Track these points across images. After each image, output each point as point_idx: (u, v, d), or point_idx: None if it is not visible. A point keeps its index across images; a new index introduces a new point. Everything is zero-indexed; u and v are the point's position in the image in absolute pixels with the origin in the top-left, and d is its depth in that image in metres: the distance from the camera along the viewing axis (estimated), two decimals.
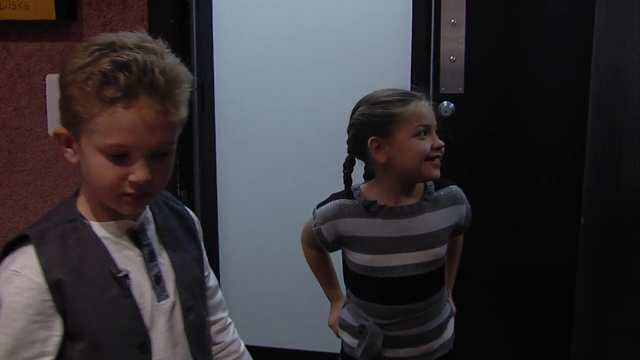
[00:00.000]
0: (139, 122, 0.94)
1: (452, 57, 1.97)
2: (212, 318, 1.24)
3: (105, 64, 0.94)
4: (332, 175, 2.23)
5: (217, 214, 2.33)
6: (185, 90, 1.01)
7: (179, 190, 2.04)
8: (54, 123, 2.06)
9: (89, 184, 1.05)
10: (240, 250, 2.35)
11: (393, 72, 2.13)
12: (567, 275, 1.96)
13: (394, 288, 1.47)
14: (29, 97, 2.07)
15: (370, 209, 1.46)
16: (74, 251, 1.01)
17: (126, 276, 1.03)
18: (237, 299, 2.38)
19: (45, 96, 2.05)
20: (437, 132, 1.45)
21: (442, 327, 1.53)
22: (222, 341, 1.25)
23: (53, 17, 1.95)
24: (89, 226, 1.04)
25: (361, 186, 1.51)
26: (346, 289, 1.59)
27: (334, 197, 1.53)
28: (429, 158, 1.42)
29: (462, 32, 1.95)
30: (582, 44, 1.88)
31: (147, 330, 1.03)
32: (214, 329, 1.24)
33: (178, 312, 1.09)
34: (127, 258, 1.04)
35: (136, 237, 1.06)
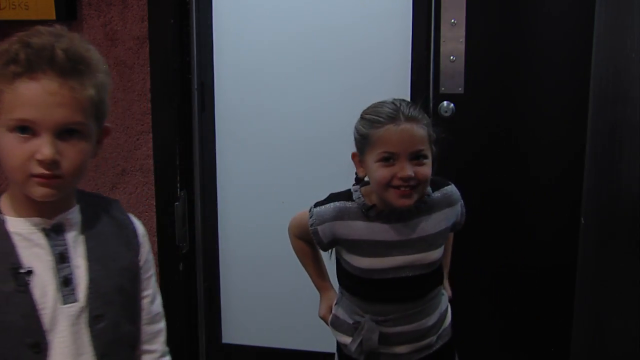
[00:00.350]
0: (41, 95, 0.96)
1: (452, 57, 1.97)
2: (146, 347, 1.21)
3: (12, 45, 0.98)
4: (332, 175, 2.23)
5: (217, 214, 2.33)
6: (94, 73, 1.02)
7: (179, 190, 2.04)
8: None
9: (4, 171, 1.03)
10: (240, 250, 2.35)
11: (393, 72, 2.13)
12: (567, 275, 1.96)
13: (390, 288, 1.46)
14: None
15: (368, 214, 1.44)
16: None
17: (29, 273, 1.01)
18: (237, 299, 2.38)
19: None
20: (417, 156, 1.36)
21: (440, 322, 1.53)
22: None
23: (53, 17, 1.95)
24: (3, 221, 1.03)
25: (361, 188, 1.49)
26: (339, 287, 1.58)
27: (333, 197, 1.52)
28: (393, 186, 1.36)
29: (462, 32, 1.95)
30: (582, 44, 1.88)
31: (45, 331, 1.01)
32: (145, 358, 1.21)
33: (84, 319, 1.05)
34: (35, 256, 1.02)
35: (50, 235, 1.05)
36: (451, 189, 1.51)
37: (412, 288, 1.47)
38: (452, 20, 1.96)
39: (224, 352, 2.37)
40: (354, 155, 1.46)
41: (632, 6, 1.55)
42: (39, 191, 0.99)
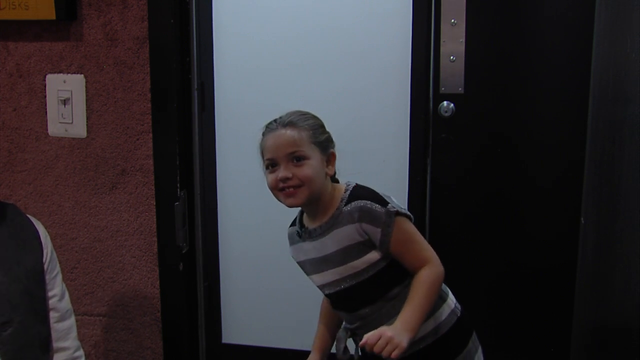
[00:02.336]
0: None
1: (452, 57, 1.97)
2: (59, 344, 1.19)
3: None
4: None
5: (217, 214, 2.33)
6: None
7: (179, 190, 2.04)
8: (54, 123, 2.06)
9: None
10: (240, 250, 2.35)
11: (393, 72, 2.13)
12: (567, 275, 1.96)
13: (340, 300, 1.53)
14: (29, 97, 2.07)
15: (299, 234, 1.55)
16: None
17: None
18: (237, 298, 2.38)
19: (45, 96, 2.05)
20: (294, 158, 1.44)
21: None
22: None
23: (53, 17, 1.96)
24: None
25: (302, 211, 1.58)
26: None
27: (290, 224, 1.63)
28: (280, 189, 1.46)
29: (462, 32, 1.95)
30: (582, 44, 1.88)
31: None
32: (57, 357, 1.19)
33: None
34: None
35: None
36: (357, 205, 1.44)
37: (357, 297, 1.49)
38: (452, 20, 1.96)
39: (224, 352, 2.37)
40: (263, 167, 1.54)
41: (632, 6, 1.55)
42: None
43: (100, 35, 1.99)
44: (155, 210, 2.05)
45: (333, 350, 1.63)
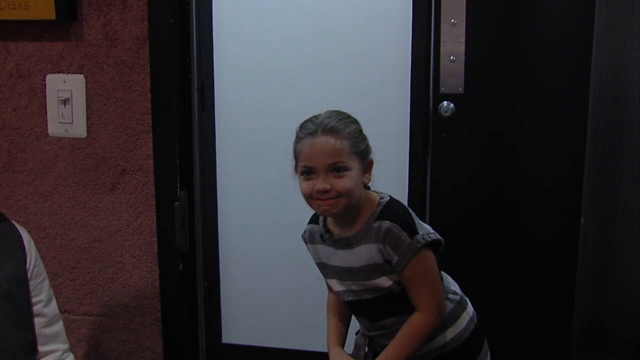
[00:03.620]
0: None
1: (452, 57, 1.97)
2: (47, 348, 1.19)
3: None
4: None
5: (217, 214, 2.33)
6: None
7: (179, 190, 2.04)
8: (54, 123, 2.06)
9: None
10: (240, 250, 2.35)
11: (393, 72, 2.13)
12: (567, 275, 1.96)
13: (360, 309, 1.50)
14: (29, 97, 2.07)
15: (323, 238, 1.50)
16: None
17: None
18: (237, 299, 2.38)
19: (45, 96, 2.05)
20: (335, 169, 1.37)
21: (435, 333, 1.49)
22: None
23: (53, 17, 1.95)
24: None
25: None
26: None
27: (309, 220, 1.58)
28: (314, 198, 1.40)
29: (462, 32, 1.95)
30: (582, 44, 1.88)
31: None
32: (48, 359, 1.19)
33: None
34: None
35: None
36: (385, 226, 1.39)
37: (381, 308, 1.47)
38: (452, 20, 1.96)
39: (224, 352, 2.37)
40: (294, 168, 1.48)
41: (632, 6, 1.55)
42: None
43: (100, 35, 1.99)
44: (155, 210, 2.05)
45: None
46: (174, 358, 2.13)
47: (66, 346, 1.26)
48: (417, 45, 2.03)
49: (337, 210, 1.40)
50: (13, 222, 1.17)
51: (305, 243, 1.59)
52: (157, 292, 2.10)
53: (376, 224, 1.40)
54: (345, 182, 1.38)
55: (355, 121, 1.47)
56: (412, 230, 1.39)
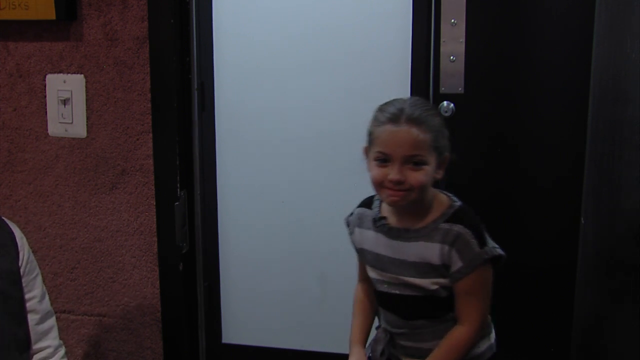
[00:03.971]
0: None
1: (452, 57, 1.97)
2: (40, 345, 1.20)
3: None
4: (332, 175, 2.23)
5: (217, 214, 2.33)
6: None
7: (179, 190, 2.04)
8: (54, 123, 2.06)
9: None
10: (240, 250, 2.35)
11: (393, 72, 2.12)
12: (567, 275, 1.96)
13: (397, 304, 1.45)
14: (29, 97, 2.07)
15: (376, 224, 1.44)
16: None
17: None
18: (237, 299, 2.37)
19: (45, 96, 2.05)
20: (412, 161, 1.32)
21: None
22: None
23: (53, 17, 1.95)
24: None
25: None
26: None
27: (360, 204, 1.52)
28: (384, 186, 1.35)
29: (462, 32, 1.95)
30: (582, 44, 1.88)
31: None
32: (37, 356, 1.19)
33: None
34: None
35: None
36: (458, 230, 1.36)
37: (417, 307, 1.43)
38: (452, 20, 1.96)
39: (224, 352, 2.37)
40: (365, 149, 1.42)
41: (632, 6, 1.55)
42: None
43: (100, 35, 1.99)
44: (155, 210, 2.05)
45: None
46: (174, 358, 2.13)
47: (58, 342, 1.26)
48: (417, 45, 2.03)
49: (405, 203, 1.35)
50: (4, 218, 1.17)
51: (348, 227, 1.53)
52: (157, 292, 2.10)
53: (445, 225, 1.37)
54: (421, 176, 1.33)
55: (439, 114, 1.40)
56: (483, 241, 1.37)
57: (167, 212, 2.04)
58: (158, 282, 2.09)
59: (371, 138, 1.38)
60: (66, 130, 2.06)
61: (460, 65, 1.97)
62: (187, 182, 2.11)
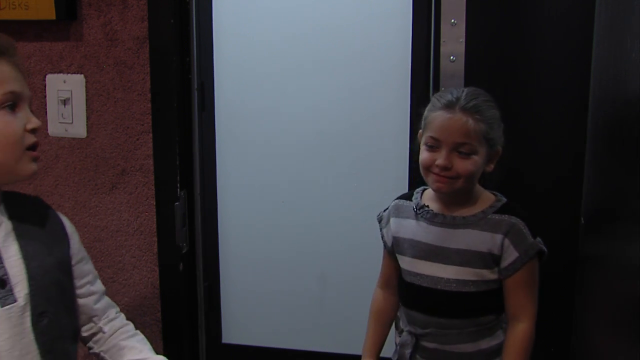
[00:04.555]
0: (14, 71, 1.05)
1: (452, 57, 1.97)
2: (106, 316, 1.25)
3: None
4: (332, 175, 2.24)
5: (217, 214, 2.33)
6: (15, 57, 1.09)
7: (179, 190, 2.04)
8: (54, 123, 2.06)
9: None
10: (240, 250, 2.35)
11: (393, 72, 2.13)
12: (567, 275, 1.96)
13: (427, 298, 1.43)
14: None
15: (418, 212, 1.44)
16: None
17: None
18: (237, 299, 2.38)
19: (45, 96, 2.05)
20: (462, 149, 1.34)
21: (488, 353, 1.45)
22: (114, 325, 1.26)
23: (53, 17, 1.95)
24: None
25: (426, 189, 1.49)
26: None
27: (397, 198, 1.53)
28: (431, 171, 1.36)
29: (462, 32, 1.95)
30: (582, 44, 1.88)
31: None
32: (104, 322, 1.25)
33: (28, 318, 1.02)
34: None
35: None
36: (511, 220, 1.39)
37: (451, 304, 1.41)
38: (452, 20, 1.96)
39: (224, 352, 2.37)
40: (419, 134, 1.42)
41: (632, 6, 1.55)
42: (33, 165, 1.03)
43: (100, 35, 1.99)
44: (155, 210, 2.05)
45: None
46: (174, 358, 2.13)
47: (117, 308, 1.32)
48: (417, 45, 2.03)
49: (451, 191, 1.36)
50: (55, 210, 1.20)
51: (380, 222, 1.53)
52: (157, 292, 2.10)
53: (496, 216, 1.38)
54: (469, 165, 1.35)
55: (495, 106, 1.42)
56: (534, 233, 1.39)
57: (167, 212, 2.04)
58: (158, 282, 2.09)
59: (425, 122, 1.39)
60: (66, 130, 2.06)
61: (460, 65, 1.97)
62: (187, 182, 2.11)
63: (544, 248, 1.41)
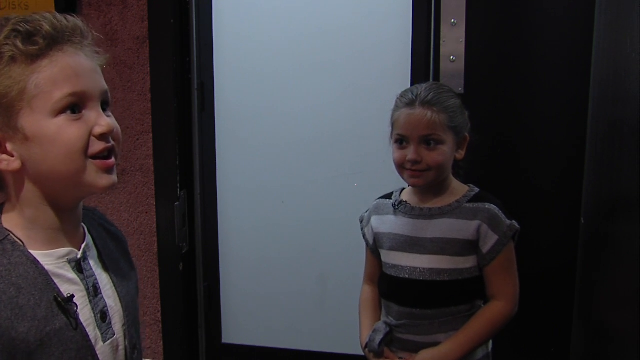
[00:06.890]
0: (79, 64, 0.89)
1: (452, 57, 1.97)
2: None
3: (10, 27, 0.85)
4: (332, 175, 2.24)
5: (217, 214, 2.33)
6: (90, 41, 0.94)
7: (179, 190, 2.04)
8: None
9: (46, 170, 0.85)
10: (240, 250, 2.35)
11: (393, 72, 2.13)
12: (567, 275, 1.96)
13: (403, 289, 1.48)
14: None
15: (397, 207, 1.49)
16: (6, 279, 0.81)
17: (71, 300, 0.85)
18: (237, 299, 2.38)
19: None
20: (428, 141, 1.39)
21: None
22: None
23: None
24: (22, 245, 0.84)
25: (405, 189, 1.55)
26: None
27: (378, 198, 1.59)
28: (405, 168, 1.42)
29: (462, 32, 1.95)
30: (582, 44, 1.88)
31: None
32: None
33: (122, 352, 0.94)
34: (69, 294, 0.86)
35: (79, 267, 0.89)
36: (485, 206, 1.44)
37: (425, 294, 1.45)
38: (452, 20, 1.96)
39: (224, 352, 2.37)
40: (390, 136, 1.49)
41: (632, 6, 1.55)
42: (103, 178, 0.84)
43: (100, 35, 1.99)
44: (155, 210, 2.05)
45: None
46: (174, 358, 2.13)
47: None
48: (417, 45, 2.03)
49: (426, 183, 1.43)
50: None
51: (361, 222, 1.59)
52: (157, 292, 2.10)
53: (470, 205, 1.44)
54: (437, 155, 1.41)
55: (455, 96, 1.48)
56: (508, 216, 1.45)
57: (167, 212, 2.04)
58: (158, 282, 2.09)
59: (392, 123, 1.46)
60: None
61: (460, 65, 1.97)
62: (187, 182, 2.11)
63: (519, 226, 1.47)
